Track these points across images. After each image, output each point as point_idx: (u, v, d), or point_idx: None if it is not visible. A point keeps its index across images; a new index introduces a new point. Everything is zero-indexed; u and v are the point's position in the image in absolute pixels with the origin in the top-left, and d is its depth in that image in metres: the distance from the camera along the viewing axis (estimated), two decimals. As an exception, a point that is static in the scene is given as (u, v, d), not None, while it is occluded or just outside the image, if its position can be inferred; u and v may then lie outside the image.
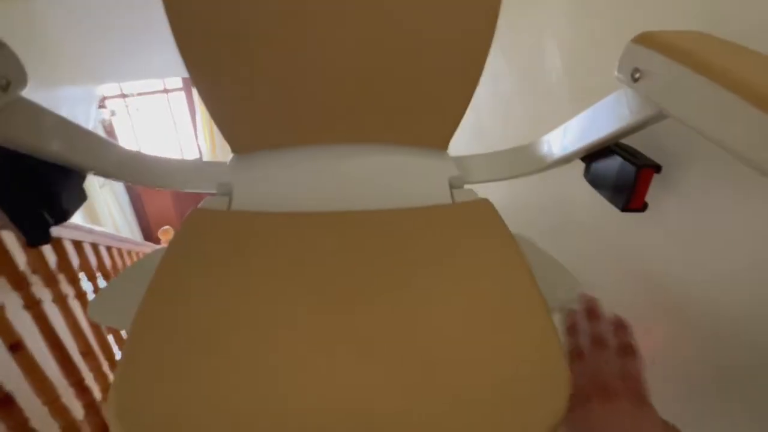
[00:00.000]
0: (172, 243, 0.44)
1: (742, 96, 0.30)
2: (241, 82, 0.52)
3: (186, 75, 0.54)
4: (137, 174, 0.56)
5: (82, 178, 0.52)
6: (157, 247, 2.90)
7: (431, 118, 0.60)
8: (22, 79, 0.41)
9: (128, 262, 2.05)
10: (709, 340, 0.51)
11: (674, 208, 0.54)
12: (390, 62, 0.54)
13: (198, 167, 0.58)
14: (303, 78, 0.53)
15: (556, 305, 0.49)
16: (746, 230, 0.44)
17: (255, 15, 0.48)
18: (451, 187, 0.61)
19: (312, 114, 0.56)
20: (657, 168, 0.50)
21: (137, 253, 2.19)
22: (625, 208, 0.53)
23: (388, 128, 0.60)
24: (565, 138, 0.55)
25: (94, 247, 1.36)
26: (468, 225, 0.50)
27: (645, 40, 0.38)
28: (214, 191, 0.56)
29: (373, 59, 0.54)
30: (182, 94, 4.43)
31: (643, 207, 0.53)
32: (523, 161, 0.63)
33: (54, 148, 0.46)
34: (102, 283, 1.41)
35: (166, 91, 4.40)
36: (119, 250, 1.82)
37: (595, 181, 0.56)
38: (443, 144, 0.62)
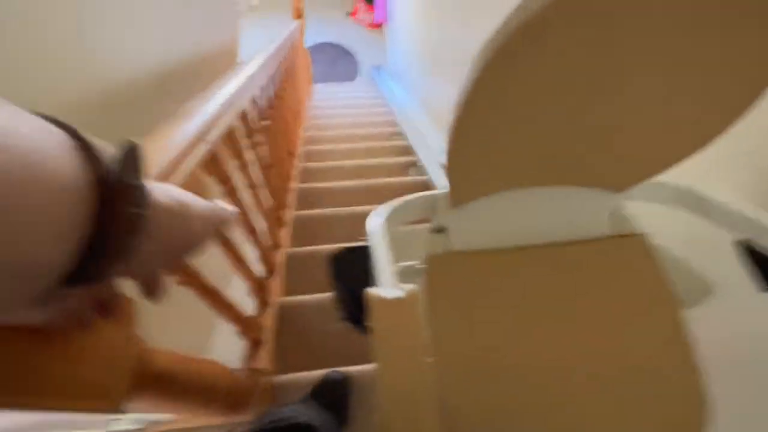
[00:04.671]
0: (429, 283, 0.65)
1: None
2: (483, 161, 0.64)
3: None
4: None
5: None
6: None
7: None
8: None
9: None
10: None
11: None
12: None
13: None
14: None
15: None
16: None
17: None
18: (611, 217, 0.75)
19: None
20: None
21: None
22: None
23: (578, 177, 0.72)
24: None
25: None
26: (621, 260, 0.70)
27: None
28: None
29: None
30: None
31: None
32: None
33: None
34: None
35: None
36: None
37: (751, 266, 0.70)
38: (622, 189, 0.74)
